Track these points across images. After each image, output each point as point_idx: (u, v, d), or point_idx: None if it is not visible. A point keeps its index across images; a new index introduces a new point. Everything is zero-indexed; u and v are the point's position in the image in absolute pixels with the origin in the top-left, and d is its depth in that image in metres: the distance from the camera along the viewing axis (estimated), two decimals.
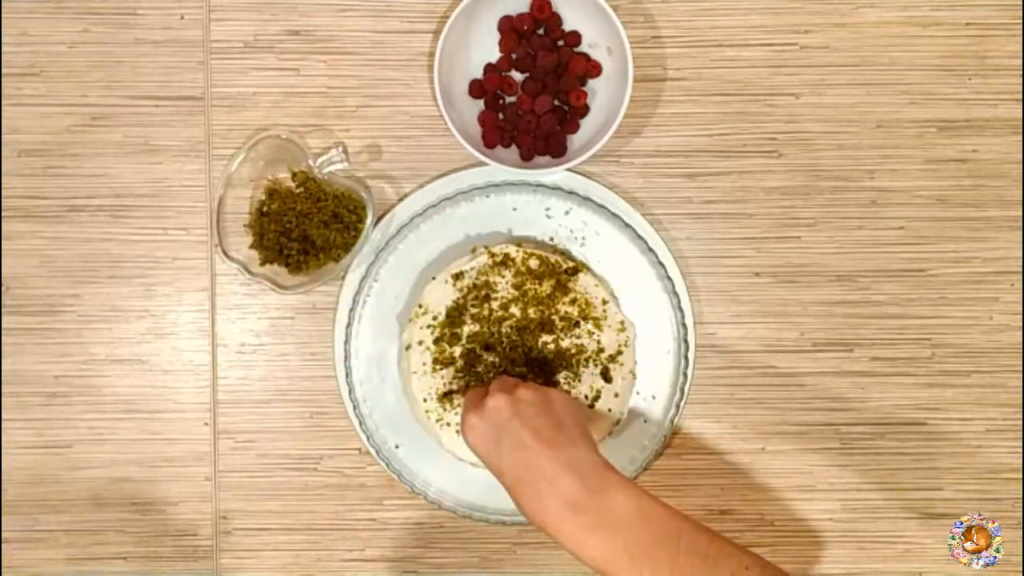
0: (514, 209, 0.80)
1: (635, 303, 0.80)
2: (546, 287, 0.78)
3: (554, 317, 0.78)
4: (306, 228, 0.79)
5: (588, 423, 0.73)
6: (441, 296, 0.78)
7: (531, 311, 0.78)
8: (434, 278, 0.79)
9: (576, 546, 0.62)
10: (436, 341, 0.78)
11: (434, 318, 0.78)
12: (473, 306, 0.78)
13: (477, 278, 0.78)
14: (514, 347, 0.78)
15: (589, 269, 0.79)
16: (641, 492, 0.63)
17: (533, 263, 0.78)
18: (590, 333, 0.79)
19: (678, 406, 0.80)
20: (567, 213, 0.80)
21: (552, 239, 0.81)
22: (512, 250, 0.78)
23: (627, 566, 0.60)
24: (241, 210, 0.81)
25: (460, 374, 0.78)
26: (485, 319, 0.78)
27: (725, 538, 0.64)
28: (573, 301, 0.78)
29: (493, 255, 0.78)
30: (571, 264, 0.79)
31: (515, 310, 0.78)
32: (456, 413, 0.78)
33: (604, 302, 0.79)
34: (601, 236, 0.80)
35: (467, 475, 0.80)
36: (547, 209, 0.80)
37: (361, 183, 0.80)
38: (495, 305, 0.78)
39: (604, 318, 0.79)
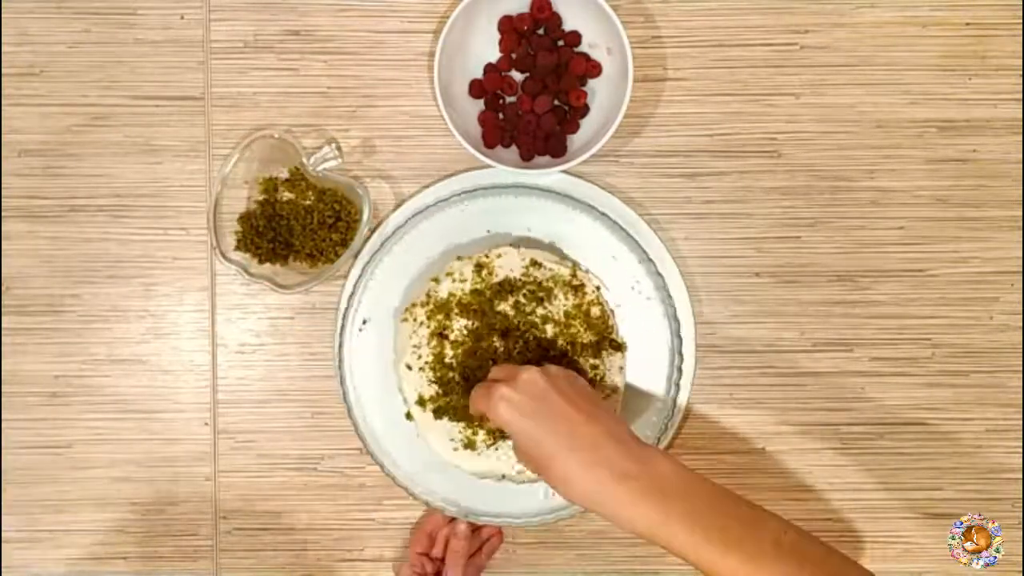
0: (507, 211, 0.81)
1: (629, 314, 0.80)
2: (550, 288, 0.78)
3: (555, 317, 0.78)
4: (300, 228, 0.79)
5: None
6: (439, 293, 0.78)
7: (534, 307, 0.78)
8: (436, 279, 0.78)
9: (626, 512, 0.62)
10: (431, 337, 0.78)
11: (428, 316, 0.78)
12: (470, 306, 0.78)
13: (474, 279, 0.78)
14: (517, 338, 0.78)
15: (579, 267, 0.80)
16: (682, 463, 0.65)
17: (536, 272, 0.78)
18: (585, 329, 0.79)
19: (674, 401, 0.80)
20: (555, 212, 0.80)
21: (548, 240, 0.81)
22: (511, 253, 0.78)
23: (681, 531, 0.61)
24: (237, 210, 0.81)
25: (453, 373, 0.78)
26: (480, 314, 0.78)
27: (760, 506, 0.66)
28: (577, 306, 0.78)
29: (483, 261, 0.78)
30: (579, 281, 0.79)
31: (507, 306, 0.78)
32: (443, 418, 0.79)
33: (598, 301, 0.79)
34: (590, 233, 0.80)
35: (465, 481, 0.80)
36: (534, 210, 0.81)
37: (357, 181, 0.80)
38: (492, 301, 0.78)
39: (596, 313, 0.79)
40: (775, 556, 0.62)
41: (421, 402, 0.79)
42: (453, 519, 0.81)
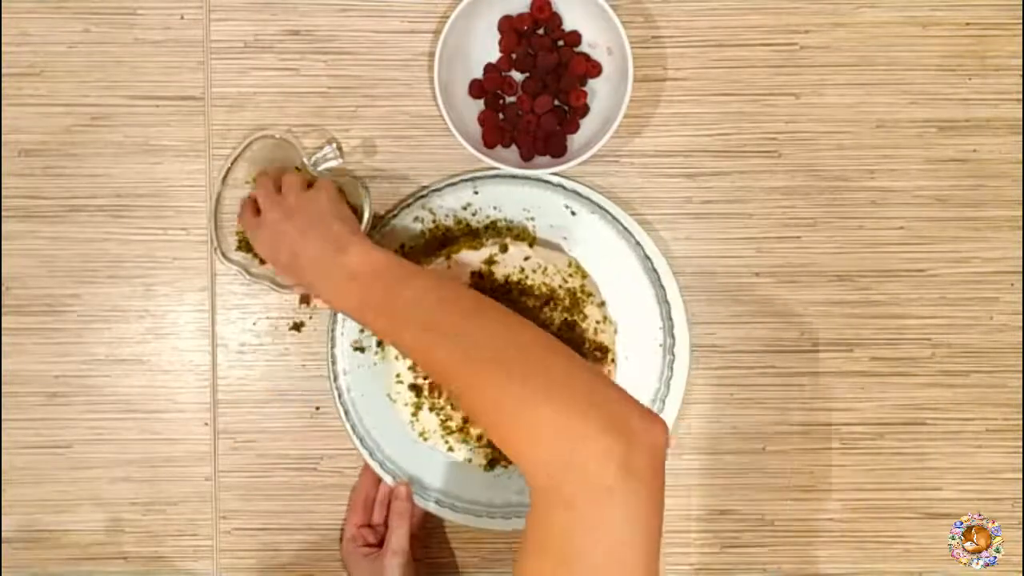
0: (497, 207, 0.81)
1: (620, 299, 0.81)
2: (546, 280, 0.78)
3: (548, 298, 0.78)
4: None
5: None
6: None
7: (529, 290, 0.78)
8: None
9: (330, 301, 0.71)
10: None
11: None
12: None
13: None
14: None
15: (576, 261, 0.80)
16: (377, 250, 0.70)
17: (529, 268, 0.78)
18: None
19: (663, 401, 0.80)
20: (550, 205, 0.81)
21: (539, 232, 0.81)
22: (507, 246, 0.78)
23: (360, 312, 0.69)
24: (238, 211, 0.81)
25: None
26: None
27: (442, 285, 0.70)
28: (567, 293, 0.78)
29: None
30: (577, 284, 0.79)
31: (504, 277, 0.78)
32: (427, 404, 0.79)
33: (588, 294, 0.79)
34: (590, 230, 0.81)
35: (459, 471, 0.80)
36: (527, 209, 0.81)
37: (358, 181, 0.80)
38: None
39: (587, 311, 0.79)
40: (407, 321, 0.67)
41: (414, 388, 0.79)
42: (380, 483, 0.81)
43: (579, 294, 0.79)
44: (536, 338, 0.65)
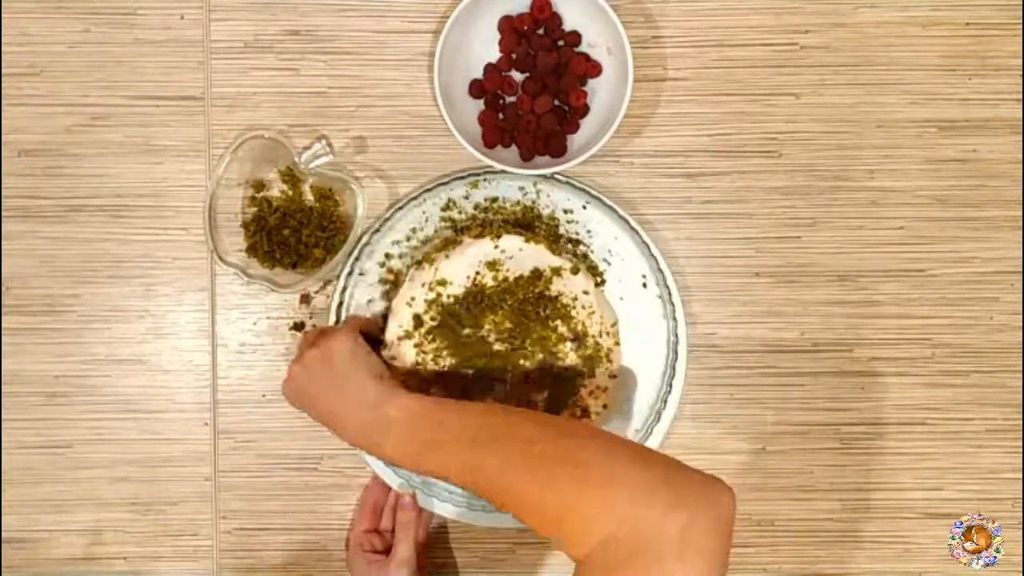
0: (495, 199, 0.81)
1: (627, 299, 0.81)
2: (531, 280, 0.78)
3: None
4: (294, 227, 0.80)
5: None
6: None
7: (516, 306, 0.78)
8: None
9: (374, 452, 0.72)
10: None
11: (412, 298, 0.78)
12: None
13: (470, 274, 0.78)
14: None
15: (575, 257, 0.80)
16: (412, 397, 0.71)
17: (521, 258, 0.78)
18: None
19: (664, 401, 0.80)
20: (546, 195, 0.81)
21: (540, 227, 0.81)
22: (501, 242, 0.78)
23: (402, 458, 0.69)
24: (233, 212, 0.81)
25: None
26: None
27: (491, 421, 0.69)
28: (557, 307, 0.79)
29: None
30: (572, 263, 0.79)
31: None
32: None
33: (584, 292, 0.79)
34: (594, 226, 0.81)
35: None
36: (526, 192, 0.81)
37: (351, 178, 0.79)
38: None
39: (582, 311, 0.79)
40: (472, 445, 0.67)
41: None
42: (390, 490, 0.81)
43: (582, 300, 0.79)
44: (587, 430, 0.67)
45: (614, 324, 0.80)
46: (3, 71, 0.82)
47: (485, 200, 0.81)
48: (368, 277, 0.81)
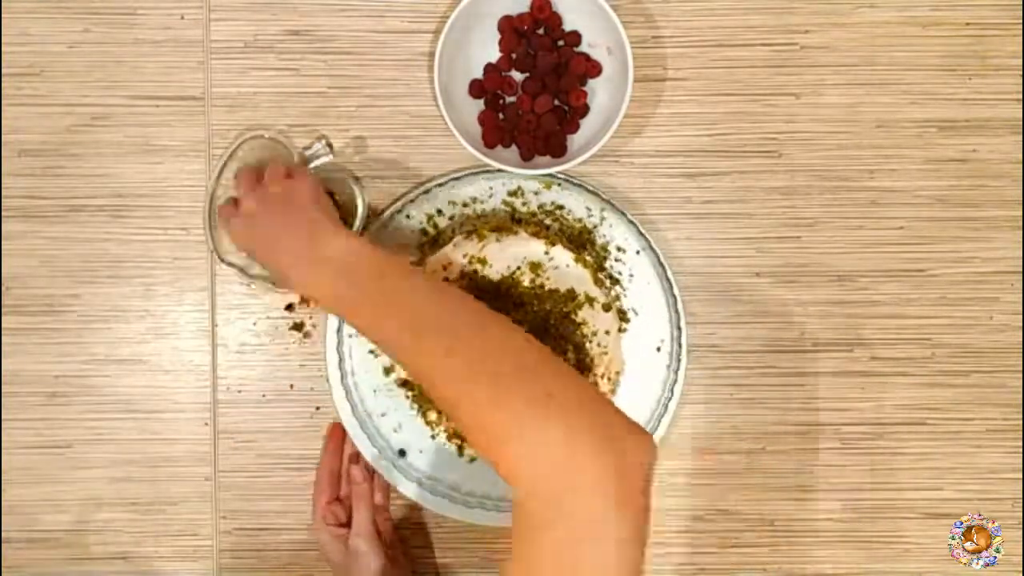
0: (493, 193, 0.81)
1: (631, 299, 0.81)
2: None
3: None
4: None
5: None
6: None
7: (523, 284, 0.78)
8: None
9: (304, 289, 0.71)
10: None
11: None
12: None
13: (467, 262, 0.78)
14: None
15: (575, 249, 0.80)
16: (353, 237, 0.69)
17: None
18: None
19: (666, 405, 0.80)
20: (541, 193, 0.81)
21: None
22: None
23: (334, 301, 0.68)
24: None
25: None
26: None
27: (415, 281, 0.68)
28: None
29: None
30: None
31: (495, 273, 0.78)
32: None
33: (606, 332, 0.79)
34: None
35: (458, 462, 0.80)
36: (519, 193, 0.81)
37: (351, 178, 0.79)
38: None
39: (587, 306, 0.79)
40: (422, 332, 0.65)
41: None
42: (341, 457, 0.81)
43: (582, 297, 0.78)
44: (528, 347, 0.63)
45: (618, 372, 0.80)
46: (3, 71, 0.82)
47: (551, 204, 0.81)
48: (412, 222, 0.80)
